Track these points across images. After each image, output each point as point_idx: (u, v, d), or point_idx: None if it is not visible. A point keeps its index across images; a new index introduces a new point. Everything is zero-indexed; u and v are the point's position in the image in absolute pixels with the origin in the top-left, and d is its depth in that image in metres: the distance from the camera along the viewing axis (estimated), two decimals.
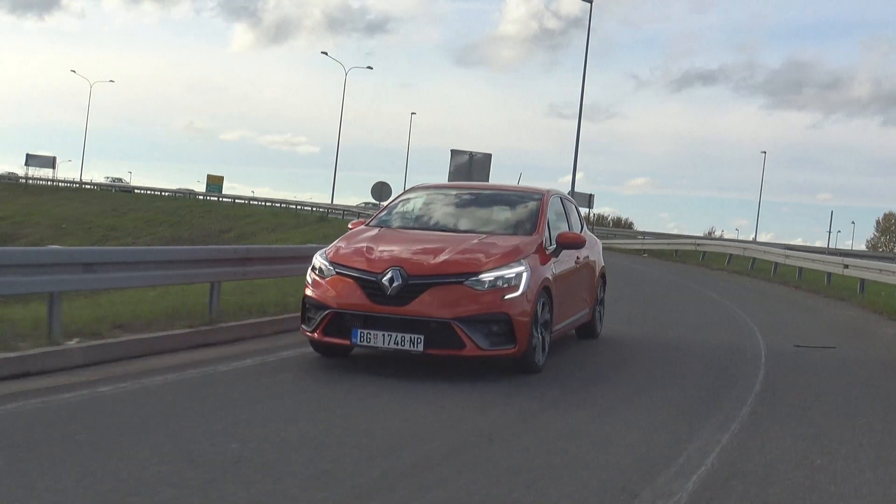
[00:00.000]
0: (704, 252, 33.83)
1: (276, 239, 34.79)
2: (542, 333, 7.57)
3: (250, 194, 73.65)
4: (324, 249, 7.82)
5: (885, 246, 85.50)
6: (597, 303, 10.08)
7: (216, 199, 68.53)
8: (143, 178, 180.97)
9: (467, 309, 6.96)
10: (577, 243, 8.39)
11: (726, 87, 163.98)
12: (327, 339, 7.30)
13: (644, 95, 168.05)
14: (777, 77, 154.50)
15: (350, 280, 7.26)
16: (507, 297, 7.10)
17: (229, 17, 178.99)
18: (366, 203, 62.48)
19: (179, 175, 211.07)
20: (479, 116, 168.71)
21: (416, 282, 7.04)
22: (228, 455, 4.70)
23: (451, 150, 25.12)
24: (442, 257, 7.27)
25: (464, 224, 8.48)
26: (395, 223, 8.54)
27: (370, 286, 7.14)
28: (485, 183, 9.41)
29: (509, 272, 7.22)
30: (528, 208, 8.59)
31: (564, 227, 9.12)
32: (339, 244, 7.83)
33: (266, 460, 4.66)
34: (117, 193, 71.58)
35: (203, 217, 55.60)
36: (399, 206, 9.00)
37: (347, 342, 7.17)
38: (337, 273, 7.37)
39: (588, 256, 9.60)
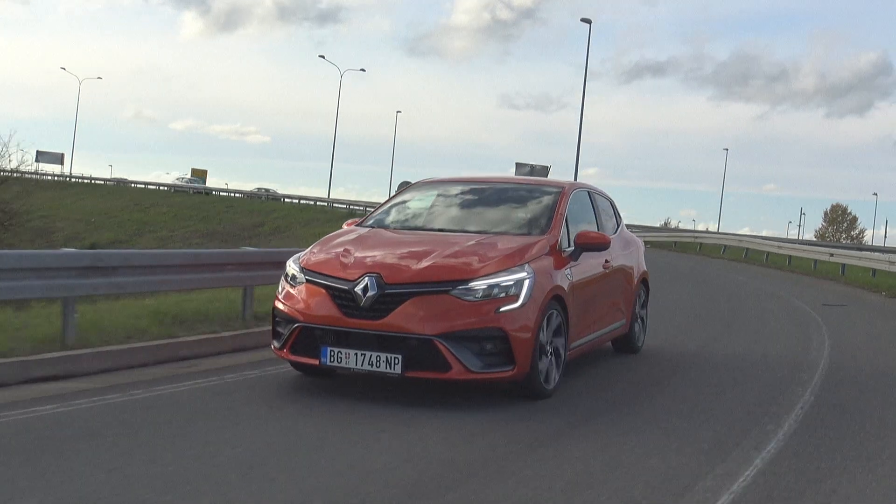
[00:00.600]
0: (701, 243, 39.16)
1: (314, 233, 34.55)
2: (552, 352, 6.33)
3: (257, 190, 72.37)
4: (299, 254, 6.73)
5: (833, 236, 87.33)
6: (636, 313, 8.76)
7: (228, 194, 68.11)
8: (87, 167, 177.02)
9: (454, 323, 5.75)
10: (598, 244, 7.07)
11: (675, 78, 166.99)
12: (295, 357, 6.20)
13: (595, 87, 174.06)
14: (725, 69, 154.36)
15: (321, 289, 6.13)
16: (503, 308, 5.86)
17: (178, 5, 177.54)
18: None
19: (126, 166, 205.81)
20: (431, 106, 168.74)
21: (393, 291, 5.87)
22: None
23: (516, 163, 25.56)
24: (427, 262, 6.07)
25: (468, 222, 7.24)
26: (390, 222, 7.37)
27: (342, 296, 6.00)
28: (500, 176, 8.08)
29: (507, 279, 5.99)
30: (543, 204, 7.32)
31: (591, 226, 7.86)
32: (314, 247, 6.71)
33: None
34: (128, 188, 70.36)
35: (227, 212, 55.11)
36: (398, 203, 7.81)
37: (317, 362, 6.06)
38: (307, 281, 6.26)
39: (622, 260, 8.30)
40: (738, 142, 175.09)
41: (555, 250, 6.66)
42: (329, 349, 5.93)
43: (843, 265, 25.83)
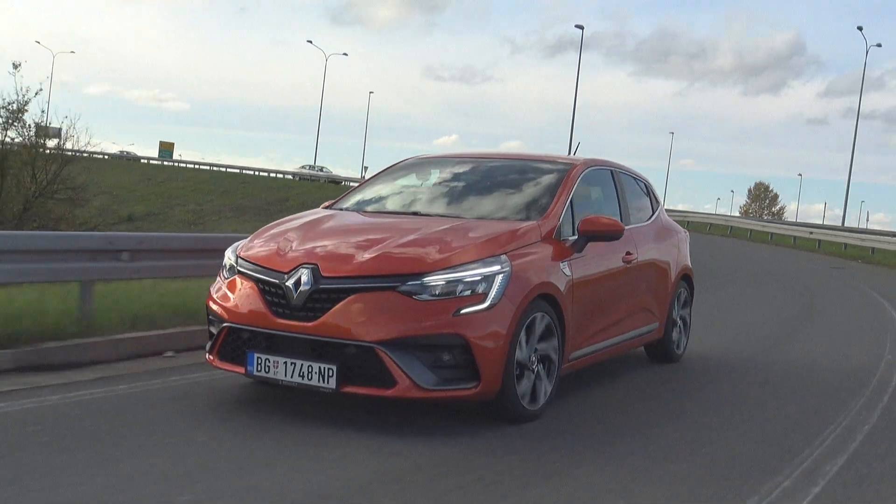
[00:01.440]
0: (689, 221, 40.25)
1: None
2: (537, 364, 5.07)
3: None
4: (243, 240, 5.61)
5: (756, 212, 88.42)
6: (673, 315, 7.34)
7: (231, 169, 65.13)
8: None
9: (401, 328, 4.52)
10: (608, 232, 5.63)
11: (597, 53, 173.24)
12: (222, 364, 5.06)
13: (519, 60, 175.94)
14: (645, 45, 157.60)
15: (251, 283, 4.97)
16: (465, 310, 4.60)
17: None
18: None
19: None
20: (355, 76, 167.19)
21: (329, 286, 4.68)
22: None
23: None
24: (375, 251, 4.84)
25: (456, 205, 5.92)
26: (366, 204, 6.14)
27: (272, 292, 4.84)
28: (503, 152, 6.72)
29: (472, 273, 4.71)
30: (543, 184, 5.97)
31: (612, 211, 6.52)
32: (260, 232, 5.57)
33: None
34: (131, 163, 68.54)
35: (245, 186, 54.10)
36: (383, 181, 6.59)
37: (243, 371, 4.93)
38: (239, 273, 5.14)
39: (653, 253, 6.92)
40: (657, 117, 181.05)
41: (550, 239, 5.37)
42: (256, 356, 4.78)
43: (819, 241, 32.91)
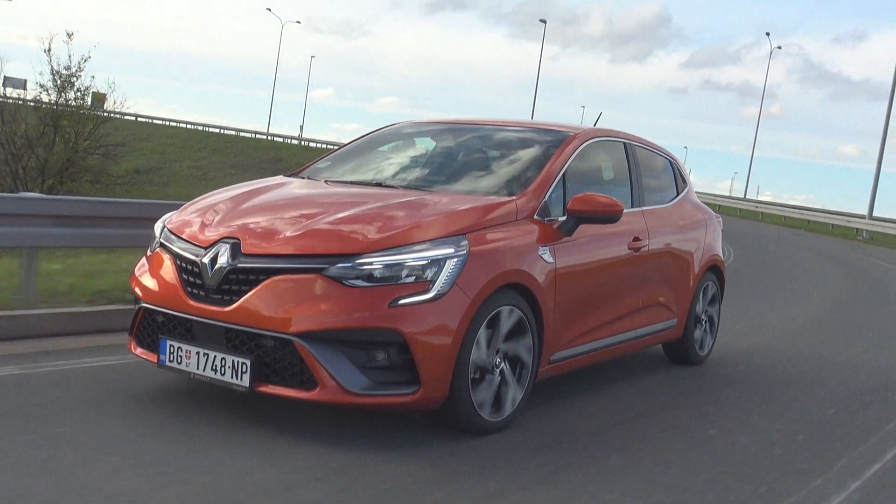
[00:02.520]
0: None
1: None
2: (502, 368, 4.19)
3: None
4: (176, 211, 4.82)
5: None
6: (697, 312, 6.35)
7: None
8: None
9: (326, 318, 3.68)
10: (602, 213, 4.62)
11: (476, 13, 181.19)
12: (138, 350, 4.32)
13: (398, 15, 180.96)
14: (522, 9, 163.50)
15: (170, 258, 4.21)
16: (404, 301, 3.73)
17: None
18: None
19: None
20: (229, 22, 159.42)
21: (248, 265, 3.85)
22: None
23: None
24: (305, 226, 4.01)
25: (424, 177, 5.01)
26: (324, 173, 5.28)
27: (189, 269, 4.06)
28: (501, 119, 5.76)
29: (416, 256, 3.82)
30: (532, 156, 5.01)
31: (622, 190, 5.57)
32: (195, 200, 4.79)
33: None
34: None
35: (231, 145, 52.08)
36: (351, 149, 5.68)
37: (155, 359, 4.19)
38: (161, 245, 4.38)
39: (672, 241, 5.93)
40: (531, 78, 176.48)
41: (531, 219, 4.46)
42: (169, 343, 4.02)
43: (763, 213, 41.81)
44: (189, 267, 4.04)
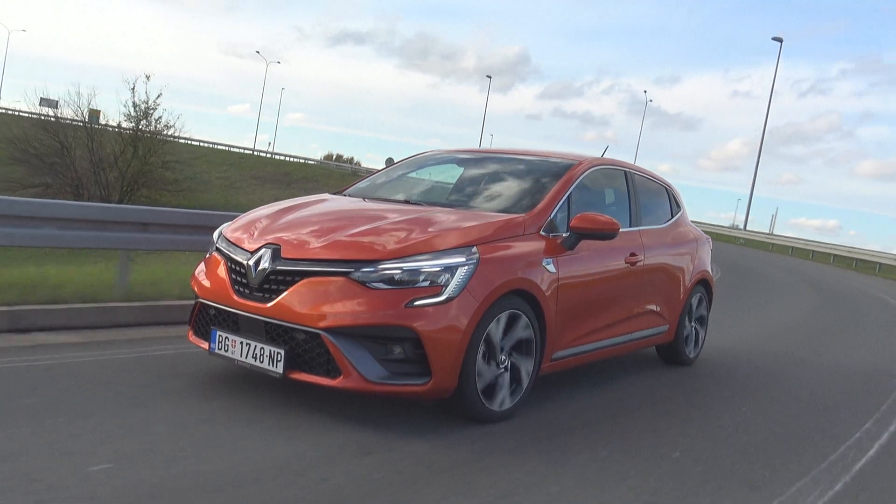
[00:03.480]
0: None
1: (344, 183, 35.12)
2: (508, 363, 4.40)
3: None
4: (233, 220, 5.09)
5: None
6: (686, 320, 6.55)
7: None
8: None
9: (350, 316, 3.96)
10: (601, 230, 4.88)
11: (371, 47, 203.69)
12: (195, 340, 4.61)
13: (307, 46, 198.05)
14: (409, 45, 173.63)
15: (223, 260, 4.53)
16: (419, 302, 4.00)
17: None
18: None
19: None
20: (154, 45, 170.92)
21: (286, 268, 4.16)
22: None
23: None
24: (340, 234, 4.31)
25: (449, 196, 5.39)
26: (363, 191, 5.62)
27: (237, 270, 4.38)
28: (518, 148, 5.97)
29: (432, 263, 4.10)
30: (542, 180, 5.29)
31: (621, 212, 5.75)
32: (250, 212, 5.06)
33: None
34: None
35: (243, 160, 53.02)
36: (393, 171, 6.04)
37: (207, 347, 4.44)
38: (217, 250, 4.67)
39: (666, 258, 6.12)
40: (416, 102, 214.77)
41: (537, 235, 4.69)
42: (219, 333, 4.31)
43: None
44: (237, 268, 4.31)
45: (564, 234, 4.86)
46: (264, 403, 4.21)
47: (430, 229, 4.35)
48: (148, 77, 32.76)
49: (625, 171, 6.00)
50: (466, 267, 4.14)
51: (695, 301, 6.68)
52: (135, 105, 32.13)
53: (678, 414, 5.10)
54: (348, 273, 4.05)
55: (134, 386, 4.35)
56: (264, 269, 4.18)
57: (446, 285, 4.06)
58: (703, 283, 6.82)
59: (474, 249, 4.23)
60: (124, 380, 4.45)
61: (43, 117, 31.32)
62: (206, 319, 4.50)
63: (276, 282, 4.15)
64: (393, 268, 4.05)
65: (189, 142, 58.90)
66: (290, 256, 4.17)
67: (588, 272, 5.05)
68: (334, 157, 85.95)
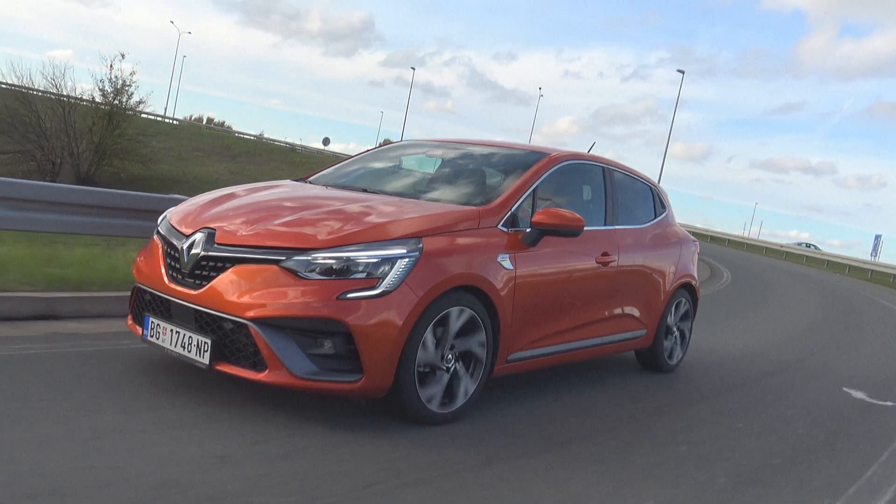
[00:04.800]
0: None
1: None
2: (454, 363, 3.99)
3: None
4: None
5: None
6: (668, 325, 6.08)
7: None
8: None
9: (278, 306, 3.57)
10: (561, 226, 4.41)
11: None
12: (133, 326, 4.26)
13: None
14: (251, 1, 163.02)
15: (160, 243, 4.16)
16: (352, 294, 3.59)
17: None
18: None
19: None
20: None
21: (217, 254, 3.77)
22: None
23: None
24: (273, 221, 3.90)
25: (409, 186, 4.97)
26: (325, 179, 5.19)
27: (172, 255, 4.00)
28: (494, 140, 5.57)
29: (368, 254, 3.69)
30: (508, 172, 4.85)
31: (595, 209, 5.32)
32: (200, 196, 4.69)
33: None
34: None
35: (240, 143, 49.69)
36: (357, 160, 5.60)
37: (141, 333, 4.08)
38: (157, 233, 4.31)
39: (645, 259, 5.66)
40: (256, 62, 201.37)
41: (493, 229, 4.26)
42: (151, 320, 3.95)
43: None
44: (172, 252, 3.95)
45: (526, 231, 4.45)
46: (199, 397, 3.85)
47: (372, 219, 3.92)
48: (123, 55, 36.27)
49: (603, 168, 5.51)
50: (407, 259, 3.72)
51: (676, 306, 6.19)
52: (111, 81, 34.04)
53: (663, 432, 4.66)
54: (279, 261, 3.65)
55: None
56: (196, 254, 3.79)
57: (383, 278, 3.65)
58: (687, 288, 6.32)
59: (418, 241, 3.81)
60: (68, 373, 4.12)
61: (14, 87, 32.77)
62: (141, 305, 4.14)
63: (206, 268, 3.76)
64: (326, 257, 3.63)
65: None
66: (222, 242, 3.78)
67: (550, 270, 4.60)
68: (204, 119, 78.56)
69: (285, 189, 4.72)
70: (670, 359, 6.21)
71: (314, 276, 3.61)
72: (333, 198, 4.37)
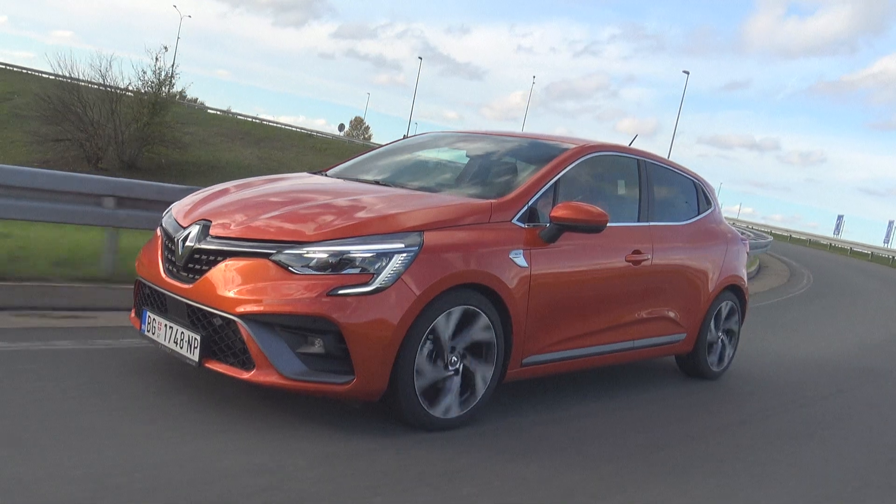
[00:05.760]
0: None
1: None
2: (456, 366, 3.66)
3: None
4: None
5: (356, 136, 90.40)
6: (710, 328, 5.59)
7: None
8: None
9: (267, 302, 3.29)
10: (581, 221, 4.00)
11: None
12: (134, 320, 4.06)
13: None
14: None
15: (160, 235, 3.98)
16: (343, 291, 3.30)
17: None
18: None
19: None
20: None
21: (209, 247, 3.54)
22: None
23: None
24: (269, 213, 3.64)
25: (425, 179, 4.65)
26: (343, 172, 4.90)
27: (169, 247, 3.80)
28: (524, 132, 5.19)
29: (363, 248, 3.39)
30: (527, 164, 4.48)
31: (628, 205, 4.92)
32: (211, 187, 4.48)
33: None
34: None
35: (257, 129, 47.75)
36: (380, 152, 5.29)
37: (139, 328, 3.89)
38: (161, 225, 4.12)
39: (683, 258, 5.21)
40: (203, 32, 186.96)
41: (507, 223, 3.90)
42: (148, 314, 3.76)
43: None
44: (170, 245, 3.75)
45: (546, 226, 4.08)
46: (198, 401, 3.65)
47: (371, 212, 3.62)
48: (166, 48, 36.70)
49: (637, 160, 5.06)
50: (405, 254, 3.41)
51: (721, 309, 5.68)
52: (156, 75, 34.98)
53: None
54: (270, 255, 3.39)
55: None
56: (189, 247, 3.57)
57: (378, 274, 3.35)
58: (734, 290, 5.79)
59: (418, 235, 3.50)
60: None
61: (61, 78, 33.75)
62: (142, 299, 3.96)
63: (199, 261, 3.53)
64: (319, 251, 3.35)
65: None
66: (216, 234, 3.54)
67: (571, 269, 4.20)
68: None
69: (294, 182, 4.45)
70: (714, 365, 5.71)
71: (305, 270, 3.33)
72: (339, 191, 4.09)
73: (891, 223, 51.56)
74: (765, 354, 7.05)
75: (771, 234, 37.85)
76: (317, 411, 3.61)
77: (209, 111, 53.31)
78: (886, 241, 51.29)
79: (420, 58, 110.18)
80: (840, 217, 55.23)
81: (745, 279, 5.98)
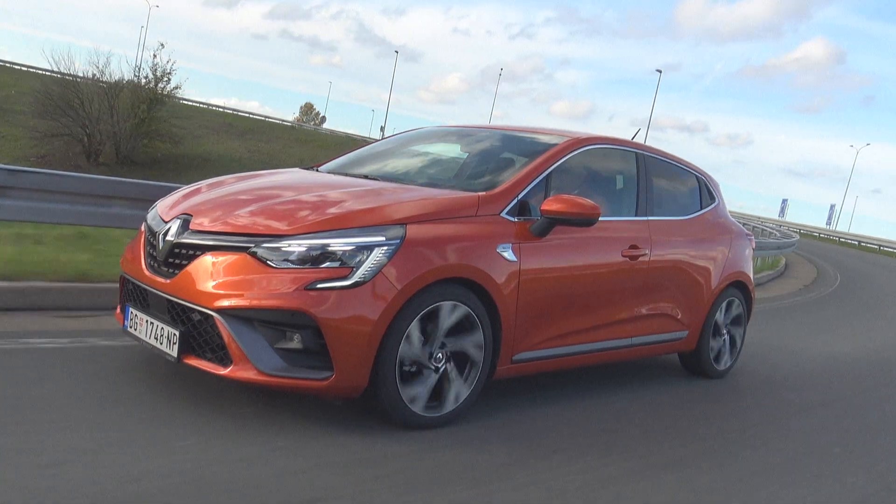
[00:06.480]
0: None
1: None
2: (441, 363, 3.52)
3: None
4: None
5: (307, 122, 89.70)
6: (714, 325, 5.40)
7: None
8: None
9: (245, 297, 3.17)
10: (571, 214, 3.84)
11: None
12: (119, 317, 3.96)
13: None
14: None
15: (144, 230, 3.88)
16: (322, 285, 3.18)
17: None
18: None
19: None
20: None
21: (189, 241, 3.43)
22: None
23: None
24: (249, 207, 3.52)
25: (415, 173, 4.49)
26: (336, 168, 4.77)
27: (151, 242, 3.70)
28: (525, 126, 5.03)
29: (342, 241, 3.25)
30: (518, 157, 4.33)
31: (626, 199, 4.76)
32: (198, 182, 4.38)
33: None
34: None
35: (242, 121, 48.31)
36: (373, 147, 5.16)
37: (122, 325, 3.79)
38: (145, 220, 4.03)
39: (685, 253, 5.03)
40: (128, 11, 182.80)
41: (495, 216, 3.76)
42: (131, 310, 3.67)
43: None
44: (152, 240, 3.66)
45: (537, 220, 3.93)
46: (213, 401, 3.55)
47: (353, 204, 3.48)
48: (163, 45, 38.39)
49: (636, 153, 4.88)
50: (386, 247, 3.27)
51: (725, 306, 5.48)
52: (153, 70, 35.28)
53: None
54: (248, 248, 3.27)
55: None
56: (169, 241, 3.47)
57: (357, 267, 3.22)
58: (739, 286, 5.57)
59: (400, 228, 3.37)
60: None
61: (60, 75, 33.91)
62: (125, 295, 3.87)
63: (179, 255, 3.42)
64: (297, 244, 3.22)
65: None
66: (196, 228, 3.42)
67: (563, 263, 4.04)
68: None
69: (280, 177, 4.32)
70: (718, 363, 5.51)
71: (284, 264, 3.21)
72: (324, 184, 3.96)
73: (832, 206, 57.22)
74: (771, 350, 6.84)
75: None
76: (317, 412, 3.50)
77: (183, 102, 53.84)
78: (829, 222, 56.43)
79: (396, 51, 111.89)
80: (784, 200, 57.98)
81: (751, 275, 5.78)
